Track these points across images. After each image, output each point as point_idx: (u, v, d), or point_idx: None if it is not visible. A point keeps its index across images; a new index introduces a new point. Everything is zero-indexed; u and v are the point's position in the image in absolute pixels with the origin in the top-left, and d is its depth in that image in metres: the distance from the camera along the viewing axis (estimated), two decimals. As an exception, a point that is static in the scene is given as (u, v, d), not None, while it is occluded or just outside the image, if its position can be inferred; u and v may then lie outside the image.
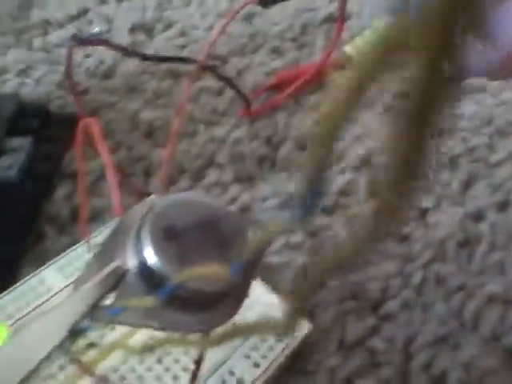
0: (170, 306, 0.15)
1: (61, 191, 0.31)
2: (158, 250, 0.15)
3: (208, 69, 0.31)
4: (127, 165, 0.32)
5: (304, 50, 0.40)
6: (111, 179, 0.19)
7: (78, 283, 0.16)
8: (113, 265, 0.16)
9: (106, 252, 0.17)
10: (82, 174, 0.23)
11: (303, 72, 0.35)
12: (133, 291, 0.16)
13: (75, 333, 0.15)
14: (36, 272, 0.25)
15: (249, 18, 0.43)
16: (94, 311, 0.15)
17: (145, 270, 0.16)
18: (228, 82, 0.32)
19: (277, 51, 0.40)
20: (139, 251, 0.16)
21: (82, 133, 0.20)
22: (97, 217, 0.30)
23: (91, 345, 0.19)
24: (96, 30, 0.41)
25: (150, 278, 0.16)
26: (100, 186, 0.31)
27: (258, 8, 0.42)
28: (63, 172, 0.32)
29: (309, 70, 0.34)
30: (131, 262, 0.16)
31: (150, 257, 0.15)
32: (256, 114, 0.34)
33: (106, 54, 0.40)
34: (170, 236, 0.16)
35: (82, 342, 0.19)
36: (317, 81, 0.35)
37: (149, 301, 0.15)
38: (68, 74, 0.21)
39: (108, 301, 0.16)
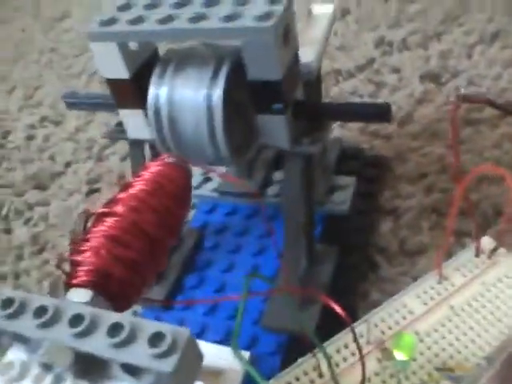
0: None
1: (385, 225, 0.35)
2: None
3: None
4: (442, 206, 0.36)
5: None
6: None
7: None
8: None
9: None
10: (454, 213, 0.27)
11: None
12: None
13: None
14: (396, 297, 0.29)
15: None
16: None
17: None
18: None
19: None
20: None
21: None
22: (422, 251, 0.33)
23: None
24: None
25: None
26: (419, 222, 0.35)
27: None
28: (382, 208, 0.37)
29: None
30: None
31: None
32: None
33: (401, 102, 0.44)
34: None
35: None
36: None
37: None
38: (454, 128, 0.25)
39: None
